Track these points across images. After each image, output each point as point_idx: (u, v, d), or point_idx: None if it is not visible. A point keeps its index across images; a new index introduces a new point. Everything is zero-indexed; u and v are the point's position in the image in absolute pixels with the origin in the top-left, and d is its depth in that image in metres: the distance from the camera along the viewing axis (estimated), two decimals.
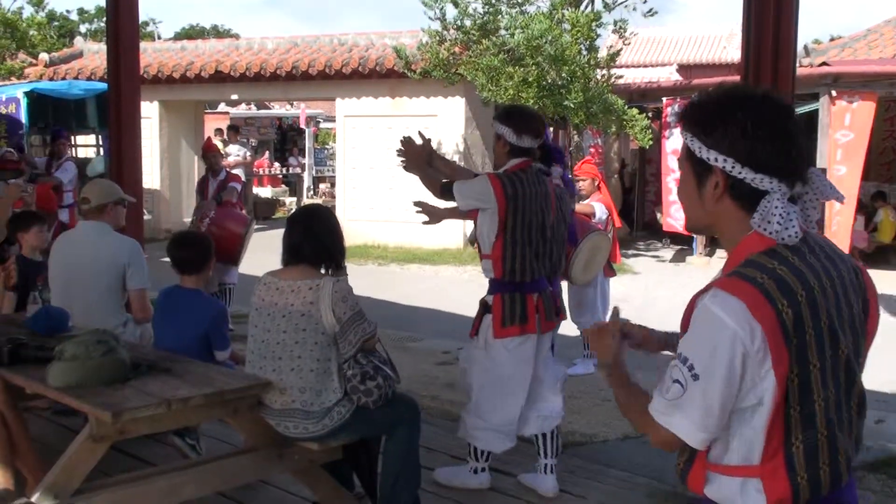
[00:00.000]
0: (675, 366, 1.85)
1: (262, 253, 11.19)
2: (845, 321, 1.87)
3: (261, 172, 22.62)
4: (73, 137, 16.69)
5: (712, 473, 1.92)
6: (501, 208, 4.25)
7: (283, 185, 23.74)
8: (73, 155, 16.65)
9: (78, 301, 4.98)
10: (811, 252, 1.88)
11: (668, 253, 15.65)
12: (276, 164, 24.45)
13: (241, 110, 25.76)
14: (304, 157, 25.43)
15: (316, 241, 3.92)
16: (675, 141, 14.45)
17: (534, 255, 4.36)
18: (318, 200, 22.79)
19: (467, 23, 13.72)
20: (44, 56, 18.90)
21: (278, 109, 27.36)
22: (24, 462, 3.99)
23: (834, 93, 12.67)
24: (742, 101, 1.86)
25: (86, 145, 17.06)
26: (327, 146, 27.70)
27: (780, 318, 1.76)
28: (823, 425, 1.83)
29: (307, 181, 24.60)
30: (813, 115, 13.04)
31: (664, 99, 14.63)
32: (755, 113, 1.83)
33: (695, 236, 14.65)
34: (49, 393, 3.71)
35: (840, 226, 12.61)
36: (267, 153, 25.08)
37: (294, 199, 22.88)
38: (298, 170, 24.78)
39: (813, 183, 1.89)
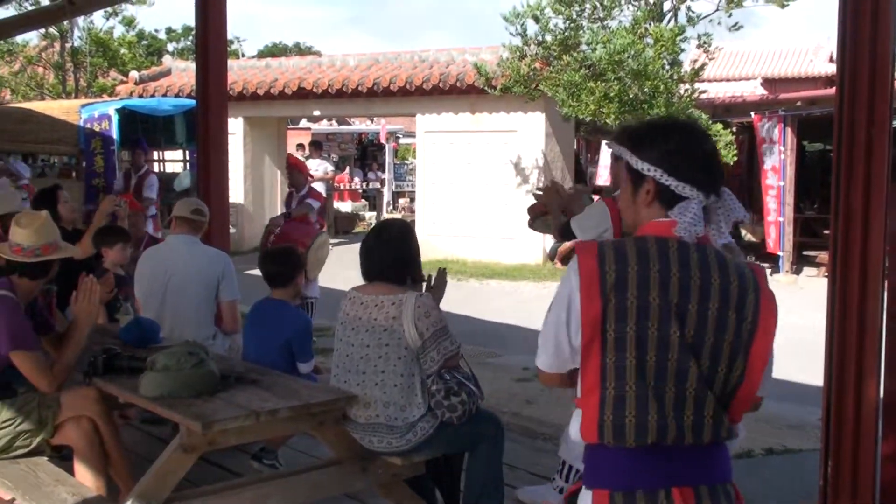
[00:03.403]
0: None
1: (343, 267, 11.30)
2: (690, 313, 2.15)
3: (341, 187, 22.90)
4: (161, 153, 17.17)
5: (575, 411, 2.26)
6: (617, 230, 4.20)
7: (362, 200, 23.99)
8: (161, 170, 17.12)
9: (170, 313, 5.09)
10: (681, 249, 2.19)
11: None
12: (356, 179, 24.72)
13: (323, 126, 26.11)
14: (383, 172, 25.66)
15: (387, 255, 3.92)
16: (773, 158, 14.13)
17: None
18: (397, 215, 22.95)
19: (548, 38, 13.68)
20: (134, 74, 19.44)
21: (359, 125, 27.67)
22: (116, 470, 4.07)
23: None
24: (672, 125, 2.33)
25: (173, 160, 17.49)
26: (407, 161, 27.91)
27: (603, 276, 2.15)
28: (633, 381, 2.13)
29: (387, 196, 24.80)
30: None
31: (753, 114, 14.34)
32: (681, 135, 2.26)
33: (781, 254, 14.32)
34: (141, 403, 3.79)
35: None
36: (347, 168, 25.38)
37: (374, 213, 23.09)
38: (378, 185, 25.01)
39: (724, 200, 2.27)
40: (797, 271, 14.62)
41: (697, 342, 2.17)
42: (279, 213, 10.63)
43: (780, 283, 13.96)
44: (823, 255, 13.88)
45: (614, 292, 2.14)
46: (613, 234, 4.22)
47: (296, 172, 9.23)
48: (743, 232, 16.36)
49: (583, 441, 2.23)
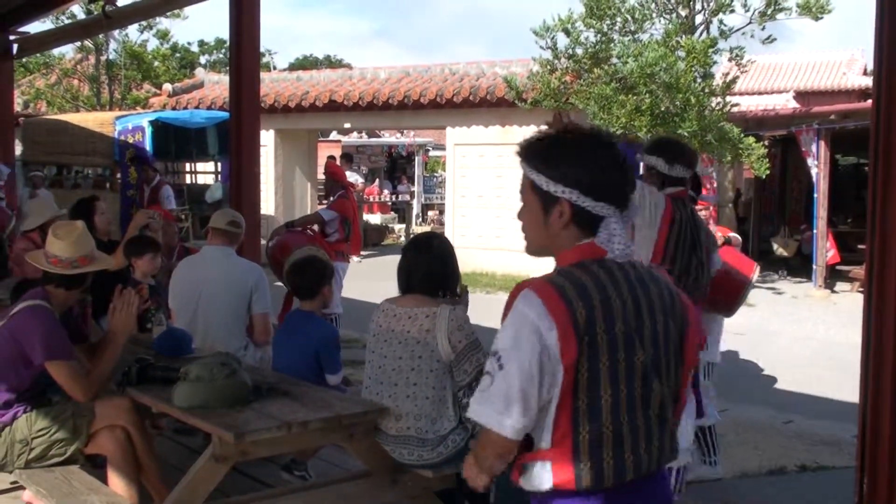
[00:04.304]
0: (489, 359, 2.07)
1: (371, 279, 11.32)
2: (646, 335, 2.08)
3: (371, 199, 22.99)
4: (193, 164, 17.34)
5: (527, 462, 2.09)
6: (664, 229, 4.19)
7: (392, 213, 24.06)
8: (193, 181, 17.28)
9: (202, 323, 5.12)
10: (621, 269, 2.11)
11: (785, 285, 15.17)
12: (386, 192, 24.80)
13: (353, 138, 26.23)
14: (413, 184, 25.71)
15: (430, 269, 3.94)
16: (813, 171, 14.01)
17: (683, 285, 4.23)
18: (426, 228, 22.96)
19: (579, 51, 13.66)
20: (167, 86, 19.67)
21: (388, 137, 27.77)
22: (148, 479, 4.10)
23: None
24: (578, 140, 2.14)
25: (205, 172, 17.64)
26: (436, 174, 27.95)
27: (574, 316, 1.99)
28: (609, 420, 2.02)
29: (416, 208, 24.84)
30: None
31: (793, 129, 14.20)
32: (594, 151, 2.11)
33: (815, 268, 14.18)
34: (174, 413, 3.81)
35: None
36: (377, 180, 25.47)
37: (403, 226, 23.13)
38: (407, 197, 25.07)
39: (629, 207, 2.17)
40: (830, 286, 14.45)
41: (656, 361, 2.11)
42: None
43: (814, 297, 13.82)
44: (857, 270, 13.73)
45: (587, 330, 2.00)
46: (659, 236, 4.19)
47: (328, 180, 8.74)
48: (774, 246, 16.22)
49: (552, 488, 2.07)
